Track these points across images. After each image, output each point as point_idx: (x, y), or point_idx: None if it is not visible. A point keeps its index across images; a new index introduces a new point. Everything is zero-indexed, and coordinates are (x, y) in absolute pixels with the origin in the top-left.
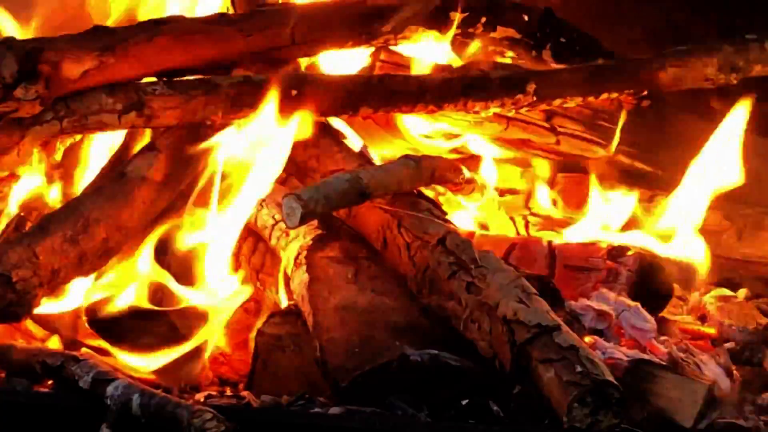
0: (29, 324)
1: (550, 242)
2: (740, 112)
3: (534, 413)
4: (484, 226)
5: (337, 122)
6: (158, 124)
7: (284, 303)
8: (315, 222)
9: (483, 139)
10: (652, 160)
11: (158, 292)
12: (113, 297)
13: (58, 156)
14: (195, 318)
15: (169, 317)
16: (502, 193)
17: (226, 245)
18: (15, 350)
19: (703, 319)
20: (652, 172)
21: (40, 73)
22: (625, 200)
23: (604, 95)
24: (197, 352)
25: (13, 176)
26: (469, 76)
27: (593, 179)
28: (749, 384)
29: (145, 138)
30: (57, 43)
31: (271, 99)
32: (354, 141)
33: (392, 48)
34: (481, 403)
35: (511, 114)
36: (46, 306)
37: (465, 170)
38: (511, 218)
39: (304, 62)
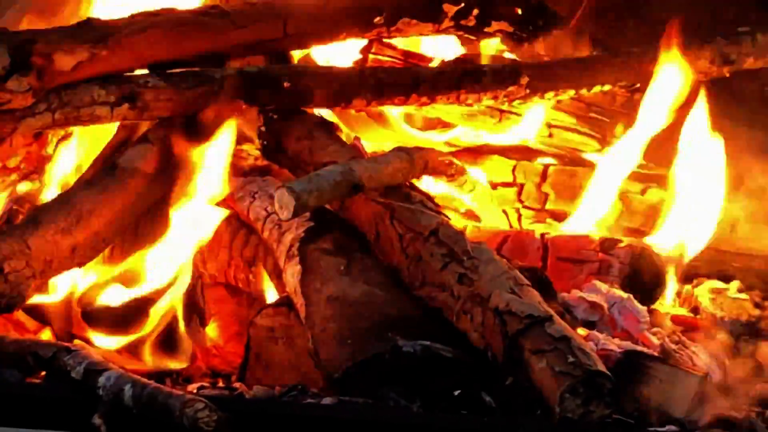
0: (21, 316)
1: (542, 234)
2: None
3: (526, 404)
4: (476, 218)
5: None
6: (151, 116)
7: (277, 295)
8: (307, 214)
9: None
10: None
11: None
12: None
13: (51, 148)
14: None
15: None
16: (494, 185)
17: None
18: (6, 342)
19: (695, 311)
20: (645, 165)
21: (33, 65)
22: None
23: (597, 88)
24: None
25: (4, 168)
26: (461, 68)
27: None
28: (741, 376)
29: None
30: (49, 35)
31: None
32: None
33: (385, 40)
34: (473, 394)
35: (504, 107)
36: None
37: (456, 162)
38: (504, 211)
39: (297, 54)
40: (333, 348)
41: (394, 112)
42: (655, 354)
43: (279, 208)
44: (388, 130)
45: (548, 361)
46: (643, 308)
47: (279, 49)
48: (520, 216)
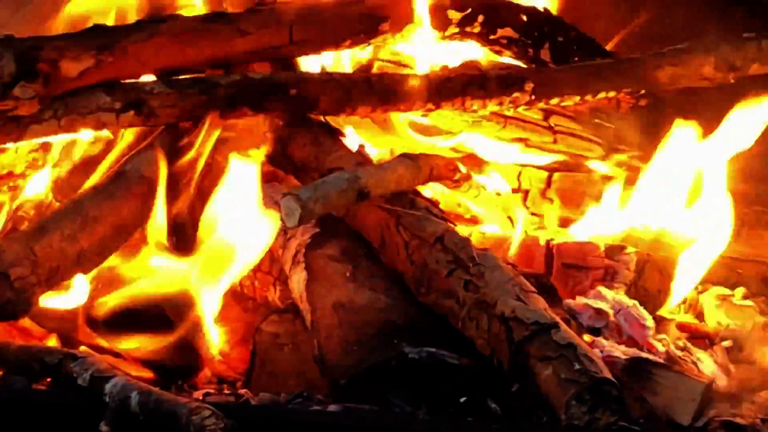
0: (27, 322)
1: (548, 241)
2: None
3: (532, 411)
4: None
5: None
6: (156, 122)
7: (282, 301)
8: (313, 220)
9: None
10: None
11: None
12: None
13: (55, 155)
14: (185, 305)
15: (161, 309)
16: (499, 192)
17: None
18: (13, 348)
19: (700, 318)
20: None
21: (39, 72)
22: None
23: (602, 94)
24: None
25: (10, 175)
26: (467, 75)
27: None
28: (746, 382)
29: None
30: (55, 41)
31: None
32: (352, 139)
33: (391, 47)
34: (479, 400)
35: (509, 113)
36: (47, 301)
37: (462, 168)
38: (509, 217)
39: (302, 61)
40: (339, 354)
41: (399, 117)
42: (661, 361)
43: (285, 215)
44: (393, 136)
45: (554, 368)
46: (649, 315)
47: (285, 55)
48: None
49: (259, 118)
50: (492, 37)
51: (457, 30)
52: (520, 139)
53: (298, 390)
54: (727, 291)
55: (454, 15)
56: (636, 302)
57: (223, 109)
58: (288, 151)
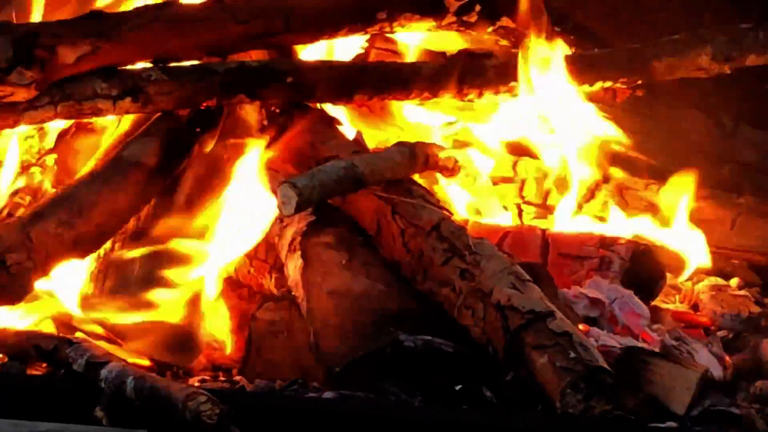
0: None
1: (543, 230)
2: None
3: (527, 399)
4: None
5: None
6: (153, 109)
7: (278, 289)
8: (309, 208)
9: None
10: (645, 149)
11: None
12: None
13: (51, 141)
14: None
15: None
16: (495, 181)
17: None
18: (9, 334)
19: (695, 308)
20: (645, 161)
21: (36, 58)
22: None
23: (599, 84)
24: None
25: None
26: (464, 63)
27: None
28: (741, 372)
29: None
30: (53, 27)
31: None
32: (348, 128)
33: (388, 35)
34: (474, 388)
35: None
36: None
37: (457, 156)
38: (504, 207)
39: (299, 49)
40: (334, 342)
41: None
42: (656, 350)
43: (281, 203)
44: (389, 124)
45: (549, 357)
46: (644, 304)
47: (282, 43)
48: (521, 212)
49: (255, 105)
50: (489, 26)
51: (454, 19)
52: None
53: (294, 377)
54: (722, 281)
55: (451, 3)
56: (631, 292)
57: (220, 96)
58: (284, 139)
